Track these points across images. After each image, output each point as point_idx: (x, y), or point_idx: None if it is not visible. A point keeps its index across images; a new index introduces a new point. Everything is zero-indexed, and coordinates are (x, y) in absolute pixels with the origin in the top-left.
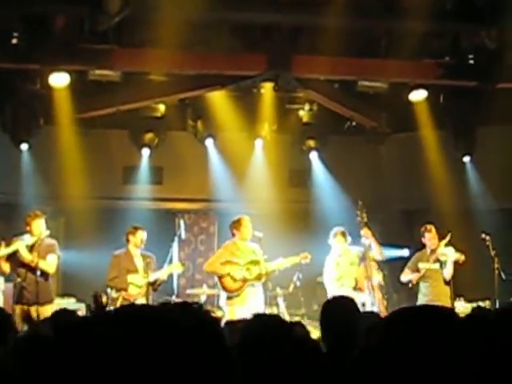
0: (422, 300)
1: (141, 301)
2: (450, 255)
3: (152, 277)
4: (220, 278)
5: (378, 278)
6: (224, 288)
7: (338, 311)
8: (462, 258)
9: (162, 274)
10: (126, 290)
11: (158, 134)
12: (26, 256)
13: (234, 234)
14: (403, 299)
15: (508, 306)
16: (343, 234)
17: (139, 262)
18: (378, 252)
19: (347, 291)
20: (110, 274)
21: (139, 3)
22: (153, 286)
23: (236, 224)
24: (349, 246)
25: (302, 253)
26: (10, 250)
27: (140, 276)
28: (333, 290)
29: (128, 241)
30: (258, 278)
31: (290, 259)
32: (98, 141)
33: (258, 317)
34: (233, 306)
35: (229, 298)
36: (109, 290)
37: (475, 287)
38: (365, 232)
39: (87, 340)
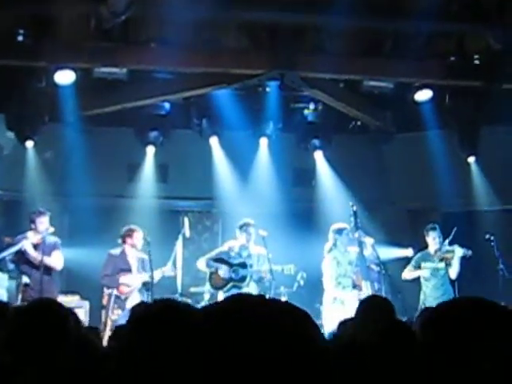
0: (425, 300)
1: (133, 298)
2: (457, 251)
3: (144, 278)
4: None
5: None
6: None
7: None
8: (468, 252)
9: (154, 276)
10: (117, 288)
11: (163, 131)
12: (32, 254)
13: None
14: (406, 298)
15: None
16: (343, 231)
17: (134, 262)
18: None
19: (346, 291)
20: (103, 271)
21: (145, 1)
22: (145, 285)
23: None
24: (348, 243)
25: (288, 264)
26: (16, 248)
27: (131, 276)
28: (331, 289)
29: (124, 242)
30: (242, 280)
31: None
32: (102, 138)
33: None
34: None
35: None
36: (105, 289)
37: (479, 288)
38: (357, 235)
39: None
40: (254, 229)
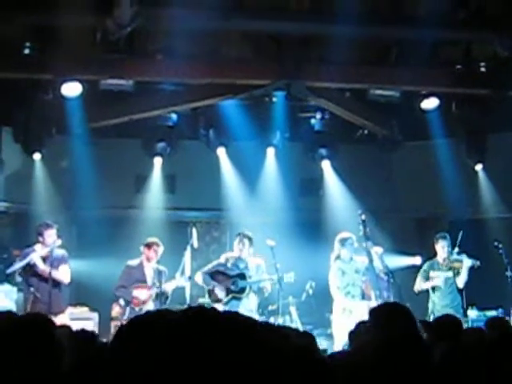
0: (433, 308)
1: (147, 307)
2: (465, 262)
3: (158, 290)
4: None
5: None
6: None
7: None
8: (477, 263)
9: (168, 287)
10: (130, 301)
11: (170, 142)
12: (41, 267)
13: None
14: (416, 307)
15: None
16: (347, 241)
17: (150, 274)
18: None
19: (355, 300)
20: (119, 282)
21: (150, 13)
22: (158, 296)
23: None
24: (354, 253)
25: (289, 272)
26: (26, 261)
27: (145, 289)
28: (340, 298)
29: (142, 253)
30: (242, 291)
31: (273, 276)
32: (110, 150)
33: None
34: None
35: None
36: (120, 300)
37: (488, 295)
38: (366, 245)
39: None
40: (248, 240)
